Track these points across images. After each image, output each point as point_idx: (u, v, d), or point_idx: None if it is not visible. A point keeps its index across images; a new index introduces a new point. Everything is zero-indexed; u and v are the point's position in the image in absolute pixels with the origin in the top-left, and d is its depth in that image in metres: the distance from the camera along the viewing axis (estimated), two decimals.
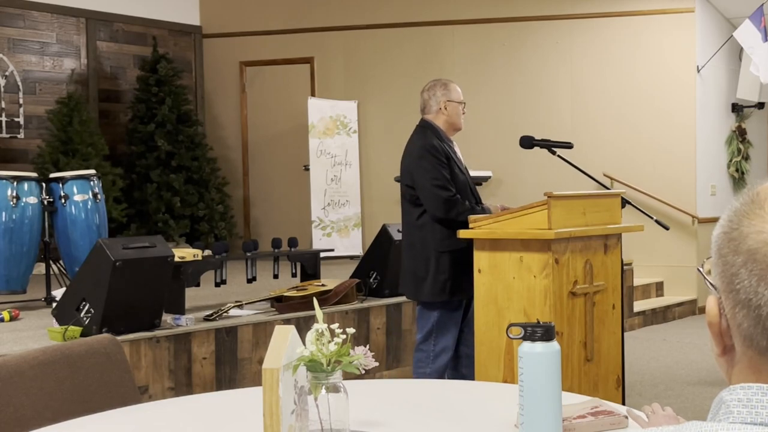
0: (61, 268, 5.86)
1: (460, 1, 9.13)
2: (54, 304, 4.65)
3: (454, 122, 4.18)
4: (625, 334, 4.17)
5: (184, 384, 4.44)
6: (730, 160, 9.11)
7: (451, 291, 4.03)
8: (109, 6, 9.12)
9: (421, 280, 4.09)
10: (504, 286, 3.69)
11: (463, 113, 4.22)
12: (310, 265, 5.81)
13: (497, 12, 9.02)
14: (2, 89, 8.12)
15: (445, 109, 4.15)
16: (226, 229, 9.10)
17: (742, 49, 8.41)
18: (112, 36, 9.22)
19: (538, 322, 1.64)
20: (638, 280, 8.20)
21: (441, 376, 4.04)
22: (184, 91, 9.24)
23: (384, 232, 5.62)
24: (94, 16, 9.03)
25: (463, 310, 4.13)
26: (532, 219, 3.63)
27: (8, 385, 1.98)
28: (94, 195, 5.76)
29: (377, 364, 1.74)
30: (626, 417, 1.77)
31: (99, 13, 9.07)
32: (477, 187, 4.40)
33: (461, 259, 3.99)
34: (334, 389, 1.62)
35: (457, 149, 4.23)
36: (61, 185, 5.66)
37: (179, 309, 4.84)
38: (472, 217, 3.80)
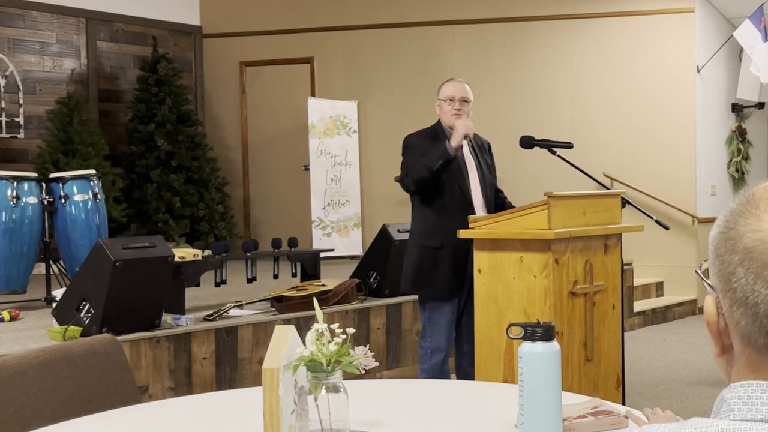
0: (61, 268, 5.86)
1: (460, 1, 9.13)
2: (54, 304, 4.65)
3: (443, 121, 4.18)
4: (625, 334, 4.17)
5: (184, 384, 4.44)
6: (730, 160, 9.11)
7: (411, 282, 4.15)
8: (109, 6, 9.12)
9: (403, 270, 4.26)
10: (504, 286, 3.69)
11: (456, 109, 4.12)
12: (310, 265, 5.81)
13: (497, 12, 9.02)
14: (2, 89, 8.12)
15: (437, 108, 4.21)
16: (226, 229, 9.10)
17: (742, 49, 8.41)
18: (112, 36, 9.22)
19: (538, 322, 1.64)
20: (638, 280, 8.20)
21: (438, 374, 4.06)
22: (184, 91, 9.24)
23: (384, 232, 5.62)
24: (94, 16, 9.03)
25: (461, 311, 4.15)
26: (532, 219, 3.63)
27: (8, 385, 1.99)
28: (94, 195, 5.76)
29: (377, 364, 1.74)
30: (626, 417, 1.77)
31: (99, 13, 9.07)
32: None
33: (429, 255, 4.08)
34: (334, 389, 1.62)
35: (465, 150, 4.19)
36: (61, 185, 5.66)
37: (179, 309, 4.84)
38: (471, 218, 3.81)
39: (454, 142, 3.98)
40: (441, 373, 4.09)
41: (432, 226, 4.07)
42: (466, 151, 4.19)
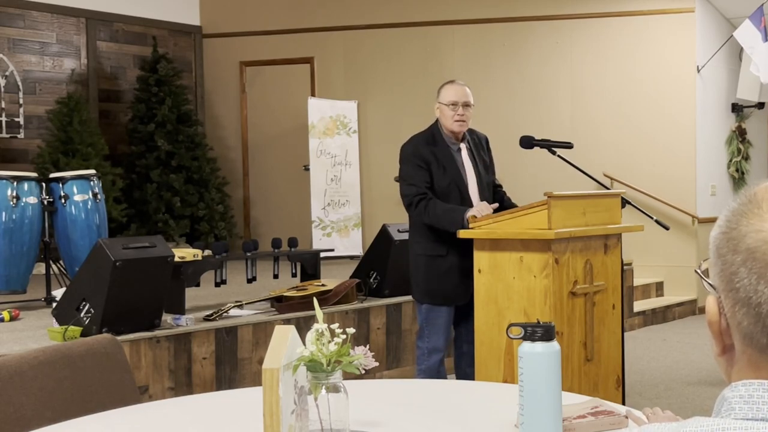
0: (61, 268, 5.86)
1: (460, 1, 9.13)
2: (54, 304, 4.65)
3: (445, 126, 4.14)
4: (625, 334, 4.17)
5: (184, 384, 4.44)
6: (730, 160, 9.11)
7: (425, 293, 4.11)
8: (109, 6, 9.12)
9: (410, 278, 4.22)
10: (504, 286, 3.69)
11: (459, 114, 4.08)
12: (310, 265, 5.81)
13: (497, 12, 9.02)
14: (2, 89, 8.12)
15: (437, 111, 4.16)
16: (226, 229, 9.10)
17: (742, 49, 8.41)
18: (112, 36, 9.22)
19: (538, 322, 1.64)
20: (638, 280, 8.20)
21: (435, 374, 4.07)
22: (184, 91, 9.24)
23: (384, 232, 5.62)
24: (94, 16, 9.03)
25: (461, 311, 4.14)
26: (532, 219, 3.63)
27: (8, 385, 1.99)
28: (94, 195, 5.76)
29: (377, 364, 1.74)
30: (626, 417, 1.77)
31: (99, 13, 9.07)
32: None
33: (436, 265, 4.06)
34: (334, 389, 1.62)
35: (464, 151, 4.18)
36: (61, 185, 5.66)
37: (179, 309, 4.84)
38: (471, 218, 3.80)
39: (468, 214, 3.88)
40: (437, 374, 4.09)
41: (435, 234, 4.03)
42: (465, 153, 4.17)
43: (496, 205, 3.97)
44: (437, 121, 4.17)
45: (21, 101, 8.13)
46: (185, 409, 2.06)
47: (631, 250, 7.48)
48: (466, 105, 4.11)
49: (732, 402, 0.83)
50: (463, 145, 4.16)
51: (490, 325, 3.73)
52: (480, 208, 3.90)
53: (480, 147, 4.25)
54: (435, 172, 4.06)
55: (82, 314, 4.27)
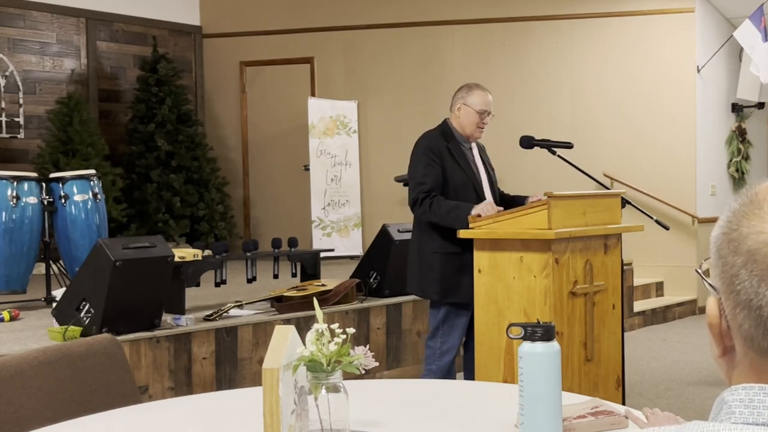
0: (61, 268, 5.86)
1: (460, 1, 9.13)
2: (54, 304, 4.65)
3: (462, 127, 4.11)
4: (625, 334, 4.17)
5: (184, 384, 4.44)
6: (730, 160, 9.11)
7: (441, 292, 4.04)
8: (109, 6, 9.12)
9: (415, 277, 4.15)
10: (504, 286, 3.69)
11: (484, 122, 4.09)
12: (310, 265, 5.81)
13: (497, 12, 9.02)
14: (2, 89, 8.12)
15: (459, 111, 4.13)
16: (226, 229, 9.10)
17: (742, 49, 8.41)
18: (112, 36, 9.22)
19: (538, 322, 1.64)
20: (638, 280, 8.20)
21: (446, 374, 4.04)
22: (184, 91, 9.24)
23: (384, 232, 5.62)
24: (94, 16, 9.03)
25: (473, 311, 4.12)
26: (532, 219, 3.63)
27: (8, 385, 1.99)
28: (94, 195, 5.76)
29: (377, 364, 1.74)
30: (626, 417, 1.77)
31: (99, 13, 9.07)
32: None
33: (453, 262, 4.01)
34: (334, 389, 1.62)
35: (475, 150, 4.18)
36: (61, 185, 5.66)
37: (179, 309, 4.84)
38: (471, 218, 3.80)
39: (474, 212, 3.84)
40: (448, 374, 4.06)
41: (451, 231, 3.93)
42: (476, 152, 4.18)
43: (501, 209, 3.92)
44: (446, 120, 4.17)
45: (21, 101, 8.13)
46: (185, 409, 2.06)
47: (631, 250, 7.48)
48: (490, 114, 4.14)
49: (732, 406, 0.82)
50: (474, 145, 4.17)
51: (490, 325, 3.73)
52: (486, 207, 3.85)
53: (483, 151, 4.27)
54: (451, 167, 4.03)
55: (82, 314, 4.27)
